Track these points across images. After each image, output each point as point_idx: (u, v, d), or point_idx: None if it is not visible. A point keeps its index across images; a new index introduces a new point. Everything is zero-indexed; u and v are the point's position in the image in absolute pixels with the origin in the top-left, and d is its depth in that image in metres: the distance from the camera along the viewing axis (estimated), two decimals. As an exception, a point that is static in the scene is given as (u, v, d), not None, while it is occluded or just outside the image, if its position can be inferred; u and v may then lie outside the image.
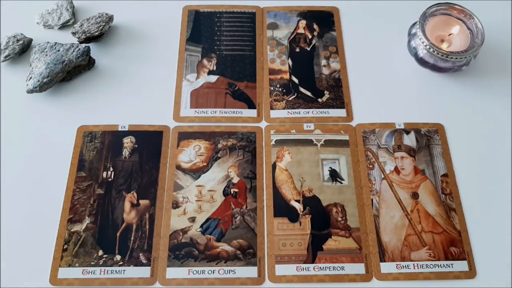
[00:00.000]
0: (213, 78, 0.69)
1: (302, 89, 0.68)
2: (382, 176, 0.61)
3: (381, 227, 0.58)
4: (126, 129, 0.64)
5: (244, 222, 0.59)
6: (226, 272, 0.55)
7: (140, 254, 0.56)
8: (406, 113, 0.66)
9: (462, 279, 0.55)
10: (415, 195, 0.60)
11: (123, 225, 0.58)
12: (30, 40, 0.71)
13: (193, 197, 0.60)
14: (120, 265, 0.56)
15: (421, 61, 0.68)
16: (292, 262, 0.56)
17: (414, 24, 0.69)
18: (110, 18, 0.72)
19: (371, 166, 0.62)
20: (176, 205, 0.59)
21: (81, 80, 0.69)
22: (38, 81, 0.64)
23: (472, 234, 0.58)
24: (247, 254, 0.56)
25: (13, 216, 0.58)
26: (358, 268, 0.56)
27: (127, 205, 0.59)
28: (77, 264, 0.55)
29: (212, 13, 0.75)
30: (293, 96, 0.68)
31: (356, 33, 0.74)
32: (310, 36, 0.73)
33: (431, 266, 0.56)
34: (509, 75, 0.70)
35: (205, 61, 0.71)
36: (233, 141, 0.64)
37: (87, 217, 0.58)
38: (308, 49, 0.72)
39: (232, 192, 0.60)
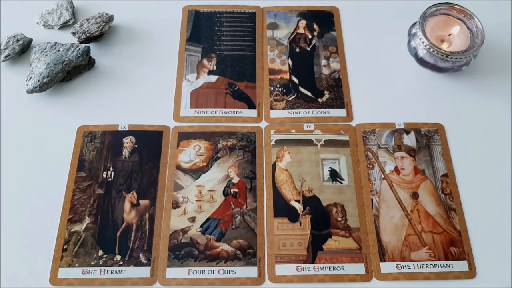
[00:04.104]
0: (213, 78, 0.69)
1: (302, 89, 0.68)
2: (382, 176, 0.61)
3: (381, 227, 0.58)
4: (126, 129, 0.64)
5: (244, 222, 0.59)
6: (226, 272, 0.55)
7: (140, 254, 0.56)
8: (406, 113, 0.66)
9: (462, 279, 0.55)
10: (415, 195, 0.60)
11: (123, 225, 0.58)
12: (30, 40, 0.71)
13: (193, 197, 0.60)
14: (120, 265, 0.56)
15: (421, 61, 0.68)
16: (292, 262, 0.56)
17: (414, 24, 0.69)
18: (110, 18, 0.72)
19: (371, 166, 0.62)
20: (176, 205, 0.59)
21: (81, 80, 0.69)
22: (38, 81, 0.64)
23: (472, 234, 0.58)
24: (247, 254, 0.56)
25: (13, 216, 0.58)
26: (358, 268, 0.56)
27: (127, 205, 0.59)
28: (77, 264, 0.55)
29: (212, 13, 0.75)
30: (293, 96, 0.68)
31: (356, 33, 0.74)
32: (310, 36, 0.73)
33: (431, 266, 0.56)
34: (509, 75, 0.70)
35: (205, 61, 0.71)
36: (233, 141, 0.64)
37: (87, 217, 0.58)
38: (308, 49, 0.72)
39: (232, 192, 0.60)
